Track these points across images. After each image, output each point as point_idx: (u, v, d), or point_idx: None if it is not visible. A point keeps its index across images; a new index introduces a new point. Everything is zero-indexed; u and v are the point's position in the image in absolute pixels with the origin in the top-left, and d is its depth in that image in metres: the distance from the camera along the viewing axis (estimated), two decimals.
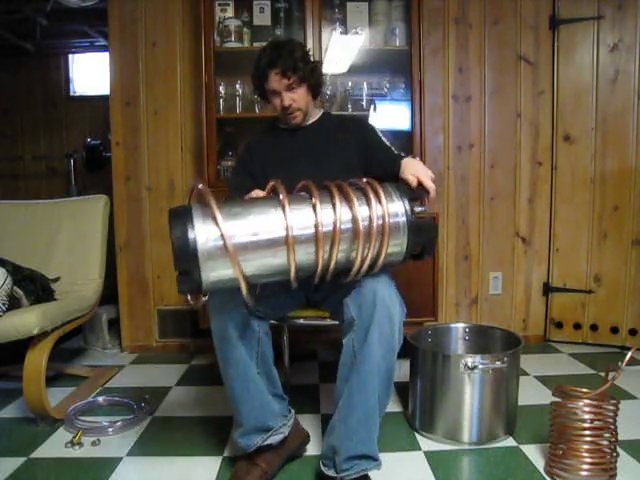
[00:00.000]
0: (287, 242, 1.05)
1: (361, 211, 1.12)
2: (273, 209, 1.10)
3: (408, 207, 1.18)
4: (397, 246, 1.18)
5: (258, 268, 1.08)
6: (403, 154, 1.54)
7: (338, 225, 1.09)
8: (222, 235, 1.01)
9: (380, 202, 1.14)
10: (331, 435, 1.33)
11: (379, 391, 1.29)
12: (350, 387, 1.30)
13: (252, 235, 1.07)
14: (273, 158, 1.64)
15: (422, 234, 1.22)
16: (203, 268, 1.03)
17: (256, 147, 1.71)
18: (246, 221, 1.08)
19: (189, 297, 1.14)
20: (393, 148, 1.60)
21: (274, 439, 1.39)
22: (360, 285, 1.30)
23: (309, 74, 1.57)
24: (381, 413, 1.33)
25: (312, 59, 1.63)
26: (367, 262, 1.15)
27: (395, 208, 1.17)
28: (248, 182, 1.56)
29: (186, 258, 1.03)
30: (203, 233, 1.03)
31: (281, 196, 1.10)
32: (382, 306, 1.26)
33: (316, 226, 1.08)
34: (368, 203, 1.13)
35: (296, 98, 1.57)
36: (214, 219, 1.01)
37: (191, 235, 1.02)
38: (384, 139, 1.64)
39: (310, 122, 1.67)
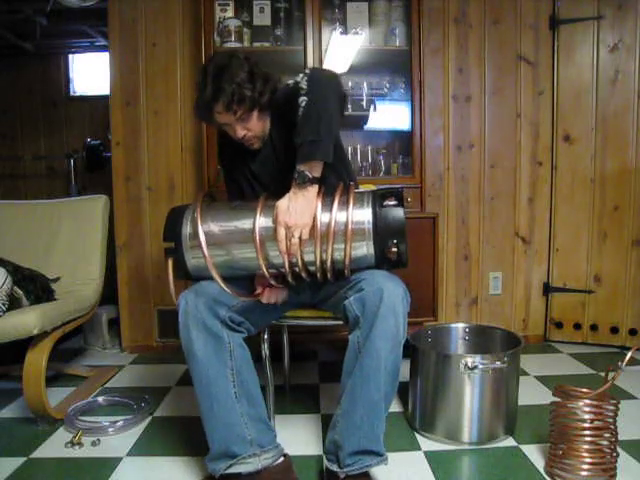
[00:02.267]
0: (253, 240, 1.26)
1: (322, 216, 1.24)
2: (248, 214, 1.31)
3: (376, 213, 1.27)
4: (362, 249, 1.28)
5: (231, 260, 1.34)
6: (298, 78, 1.30)
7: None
8: (198, 233, 1.28)
9: (347, 208, 1.25)
10: (334, 430, 1.32)
11: (385, 386, 1.28)
12: (353, 382, 1.29)
13: (226, 233, 1.32)
14: (241, 177, 1.55)
15: (389, 238, 1.28)
16: (186, 256, 1.34)
17: (224, 159, 1.63)
18: (223, 223, 1.34)
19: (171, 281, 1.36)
20: (295, 78, 1.32)
21: (239, 469, 1.29)
22: (363, 283, 1.31)
23: (258, 97, 1.36)
24: (387, 408, 1.31)
25: (261, 72, 1.40)
26: (328, 263, 1.26)
27: (362, 213, 1.27)
28: (235, 187, 1.60)
29: (175, 245, 1.35)
30: (187, 229, 1.34)
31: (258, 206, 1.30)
32: (387, 301, 1.26)
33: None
34: (330, 209, 1.24)
35: (250, 126, 1.40)
36: (195, 220, 1.31)
37: (179, 230, 1.35)
38: (288, 83, 1.37)
39: (267, 138, 1.48)
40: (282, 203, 1.24)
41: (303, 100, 1.24)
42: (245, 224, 1.31)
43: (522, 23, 2.52)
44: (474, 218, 2.61)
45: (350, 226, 1.23)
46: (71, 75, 3.70)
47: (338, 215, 1.25)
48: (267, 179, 1.51)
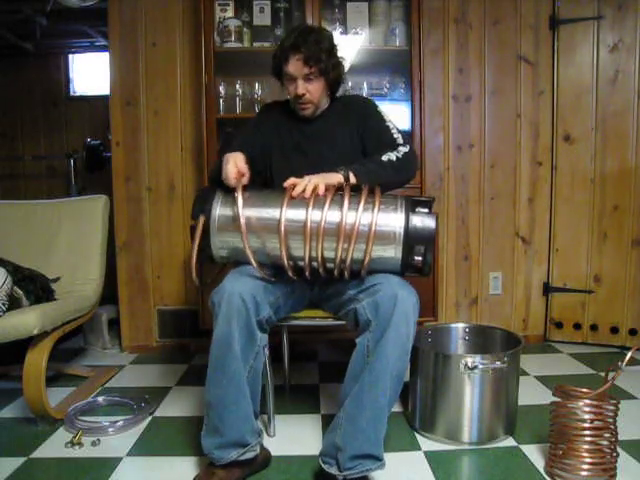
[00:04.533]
0: (279, 231, 1.26)
1: (349, 215, 1.25)
2: (276, 204, 1.30)
3: (409, 219, 1.27)
4: (389, 253, 1.28)
5: (259, 247, 1.33)
6: (400, 140, 1.52)
7: (322, 224, 1.25)
8: (238, 215, 1.28)
9: (373, 209, 1.25)
10: (335, 432, 1.32)
11: (390, 392, 1.29)
12: (361, 386, 1.29)
13: (254, 220, 1.31)
14: (278, 143, 1.63)
15: (419, 245, 1.29)
16: (212, 239, 1.34)
17: (267, 121, 1.68)
18: (257, 209, 1.33)
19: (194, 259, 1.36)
20: (393, 130, 1.56)
21: (248, 455, 1.37)
22: (377, 287, 1.32)
23: (330, 68, 1.53)
24: (389, 411, 1.32)
25: (338, 54, 1.59)
26: (348, 261, 1.26)
27: (395, 217, 1.27)
28: (248, 147, 1.56)
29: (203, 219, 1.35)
30: (216, 212, 1.35)
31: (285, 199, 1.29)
32: (401, 309, 1.28)
33: (305, 222, 1.26)
34: (357, 209, 1.25)
35: (311, 89, 1.53)
36: (233, 203, 1.31)
37: (209, 210, 1.35)
38: (385, 119, 1.59)
39: (319, 112, 1.63)
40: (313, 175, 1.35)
41: (391, 155, 1.45)
42: (272, 213, 1.31)
43: (522, 23, 2.52)
44: (474, 218, 2.61)
45: (374, 227, 1.24)
46: (71, 75, 3.70)
47: (364, 215, 1.25)
48: (299, 155, 1.59)
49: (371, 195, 1.29)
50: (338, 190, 1.32)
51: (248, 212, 1.32)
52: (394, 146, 1.49)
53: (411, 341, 1.32)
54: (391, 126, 1.57)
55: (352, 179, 1.36)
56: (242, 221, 1.27)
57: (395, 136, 1.54)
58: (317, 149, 1.60)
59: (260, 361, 1.39)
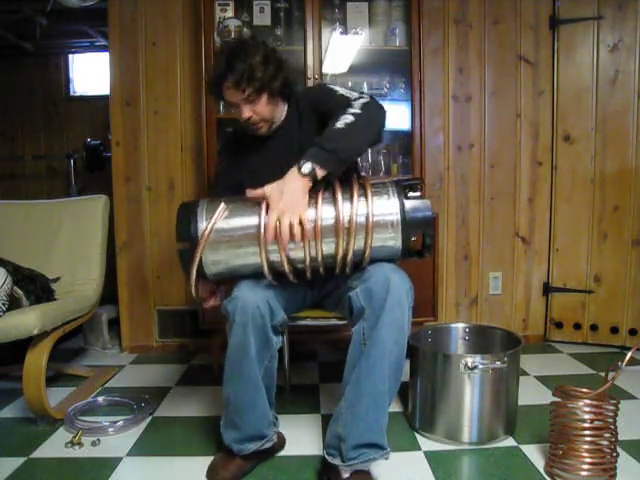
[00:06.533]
0: (266, 237, 1.21)
1: (344, 209, 1.22)
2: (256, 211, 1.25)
3: (404, 204, 1.25)
4: (389, 241, 1.26)
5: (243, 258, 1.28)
6: (355, 95, 1.35)
7: (319, 223, 1.22)
8: (209, 228, 1.23)
9: (367, 199, 1.22)
10: (337, 422, 1.32)
11: (389, 377, 1.28)
12: (359, 373, 1.29)
13: (239, 230, 1.25)
14: (246, 168, 1.55)
15: (418, 229, 1.27)
16: (202, 251, 1.24)
17: (227, 152, 1.65)
18: (244, 219, 1.26)
19: (193, 285, 1.30)
20: (342, 91, 1.39)
21: (267, 445, 1.44)
22: (369, 273, 1.31)
23: (269, 80, 1.39)
24: (390, 401, 1.32)
25: (275, 58, 1.44)
26: (349, 256, 1.24)
27: (389, 204, 1.25)
28: (229, 180, 1.58)
29: (189, 242, 1.26)
30: (202, 225, 1.25)
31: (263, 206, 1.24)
32: (394, 294, 1.27)
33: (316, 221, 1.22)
34: (351, 201, 1.22)
35: (257, 110, 1.42)
36: (213, 218, 1.25)
37: (193, 226, 1.26)
38: (333, 88, 1.43)
39: (276, 125, 1.51)
40: (273, 187, 1.21)
41: (348, 117, 1.26)
42: (255, 220, 1.25)
43: (522, 23, 2.52)
44: (474, 218, 2.61)
45: (371, 219, 1.22)
46: (71, 75, 3.71)
47: (360, 207, 1.23)
48: (270, 171, 1.42)
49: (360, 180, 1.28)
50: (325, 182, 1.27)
51: (237, 222, 1.26)
52: (349, 105, 1.30)
53: (407, 326, 1.31)
54: (340, 90, 1.41)
55: (319, 173, 1.20)
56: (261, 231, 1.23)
57: (347, 95, 1.36)
58: (285, 159, 1.38)
59: (274, 361, 1.41)
